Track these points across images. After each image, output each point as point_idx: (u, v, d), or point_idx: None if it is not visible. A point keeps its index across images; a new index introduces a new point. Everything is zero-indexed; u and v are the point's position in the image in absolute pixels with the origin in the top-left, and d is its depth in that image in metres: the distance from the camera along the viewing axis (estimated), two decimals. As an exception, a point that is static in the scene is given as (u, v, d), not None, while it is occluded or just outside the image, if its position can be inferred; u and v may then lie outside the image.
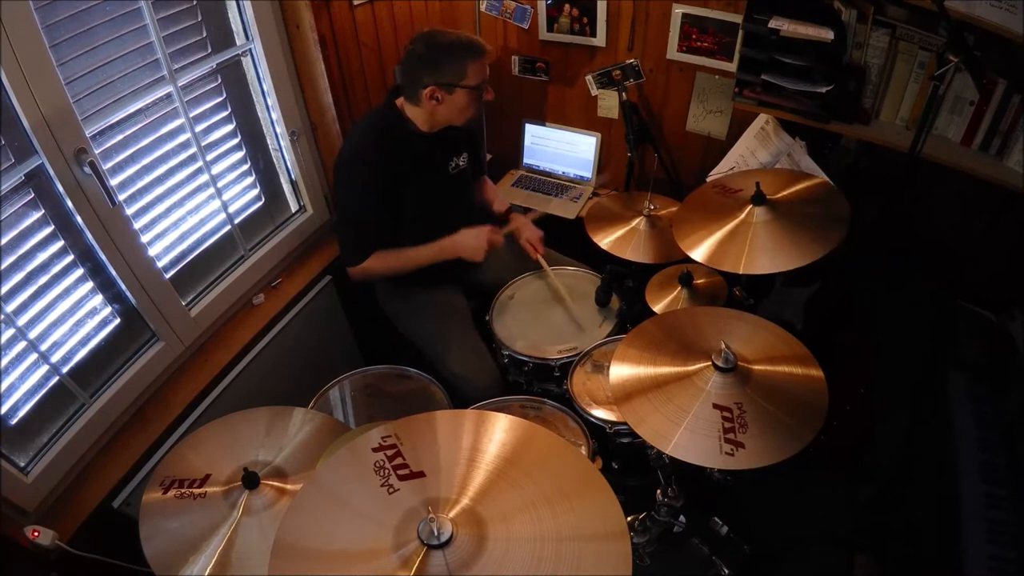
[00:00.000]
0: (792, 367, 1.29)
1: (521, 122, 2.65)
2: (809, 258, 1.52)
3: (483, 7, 2.41)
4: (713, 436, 1.17)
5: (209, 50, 1.73)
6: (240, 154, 1.92)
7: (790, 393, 1.24)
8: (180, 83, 1.66)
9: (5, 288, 1.38)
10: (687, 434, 1.19)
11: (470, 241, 1.84)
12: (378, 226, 1.80)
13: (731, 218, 1.65)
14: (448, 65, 1.65)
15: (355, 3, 2.09)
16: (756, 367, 1.28)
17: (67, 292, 1.52)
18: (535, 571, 0.88)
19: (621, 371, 1.34)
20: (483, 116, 2.60)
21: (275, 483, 1.26)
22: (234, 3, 1.78)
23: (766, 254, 1.56)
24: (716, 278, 1.86)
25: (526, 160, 2.71)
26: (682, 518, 1.54)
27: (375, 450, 1.03)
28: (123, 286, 1.62)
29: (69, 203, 1.46)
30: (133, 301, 1.66)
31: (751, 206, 1.63)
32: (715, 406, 1.22)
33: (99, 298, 1.60)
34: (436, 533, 0.89)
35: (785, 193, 1.67)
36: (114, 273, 1.59)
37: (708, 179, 1.97)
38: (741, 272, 1.56)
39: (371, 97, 2.30)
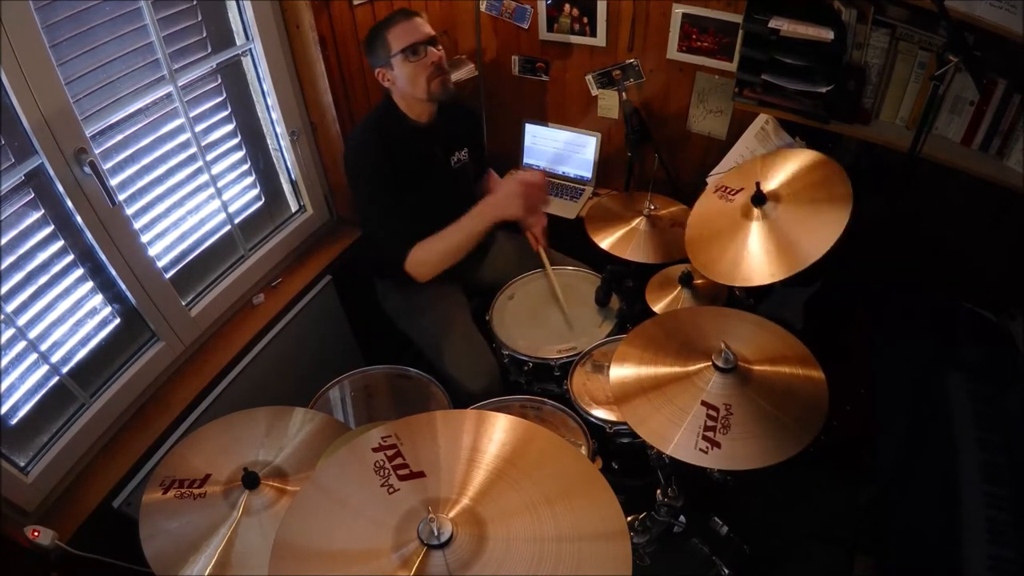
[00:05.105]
0: (793, 369, 1.28)
1: (521, 122, 2.65)
2: (822, 248, 1.45)
3: (483, 7, 2.41)
4: (694, 432, 1.19)
5: (209, 50, 1.73)
6: (240, 154, 1.92)
7: (787, 401, 1.23)
8: (180, 83, 1.66)
9: (5, 288, 1.38)
10: (686, 434, 1.19)
11: (503, 198, 1.71)
12: (400, 218, 1.77)
13: (740, 229, 1.61)
14: (375, 45, 1.73)
15: (355, 3, 2.09)
16: (756, 368, 1.28)
17: (67, 292, 1.52)
18: (535, 571, 0.87)
19: (621, 371, 1.34)
20: (483, 113, 2.60)
21: (275, 483, 1.26)
22: (234, 3, 1.78)
23: (781, 257, 1.52)
24: (716, 278, 1.86)
25: (526, 160, 2.71)
26: (682, 518, 1.54)
27: (375, 450, 1.03)
28: (123, 286, 1.62)
29: (69, 203, 1.46)
30: (133, 301, 1.66)
31: (754, 208, 1.62)
32: (703, 403, 1.22)
33: (99, 298, 1.60)
34: (436, 533, 0.89)
35: (785, 180, 1.63)
36: (114, 273, 1.59)
37: (708, 179, 1.97)
38: (756, 284, 1.53)
39: (371, 97, 2.30)
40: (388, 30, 1.70)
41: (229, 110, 1.85)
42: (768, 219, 1.59)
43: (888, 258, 2.05)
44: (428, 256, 1.76)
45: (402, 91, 1.76)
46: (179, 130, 1.71)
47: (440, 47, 1.75)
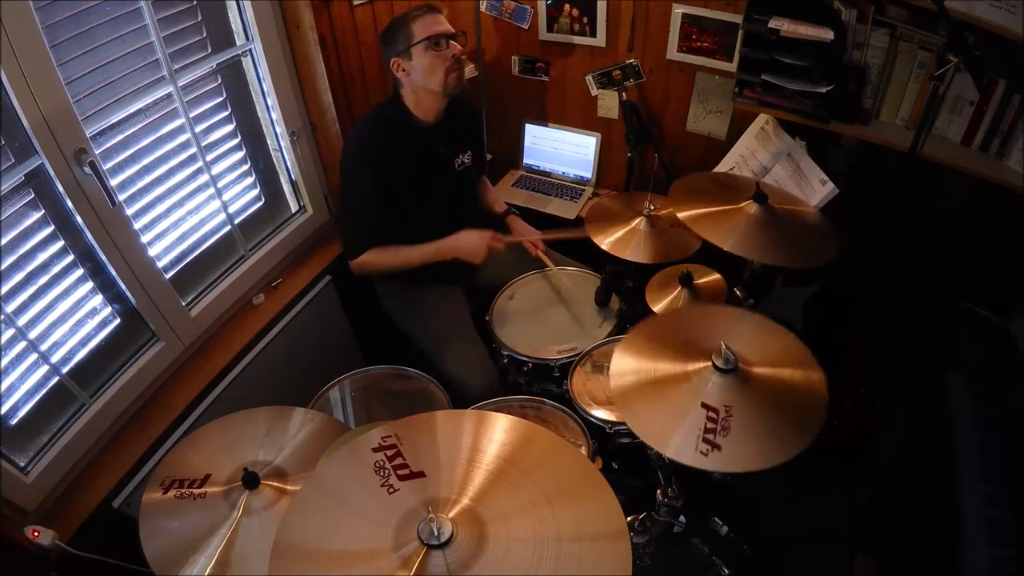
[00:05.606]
0: (793, 370, 1.27)
1: (521, 122, 2.65)
2: (793, 263, 1.52)
3: (483, 7, 2.41)
4: (694, 434, 1.18)
5: (209, 50, 1.73)
6: (240, 154, 1.92)
7: (787, 402, 1.22)
8: (180, 83, 1.66)
9: (5, 288, 1.38)
10: (686, 436, 1.19)
11: (471, 242, 1.83)
12: (377, 223, 1.80)
13: (729, 203, 1.63)
14: (397, 34, 1.73)
15: (355, 3, 2.09)
16: (756, 369, 1.27)
17: (67, 292, 1.52)
18: (535, 571, 0.87)
19: (621, 372, 1.33)
20: (483, 115, 2.60)
21: (275, 483, 1.26)
22: (234, 3, 1.78)
23: (757, 243, 1.55)
24: (716, 277, 1.86)
25: (526, 160, 2.71)
26: (682, 518, 1.54)
27: (375, 450, 1.03)
28: (123, 286, 1.62)
29: (69, 203, 1.46)
30: (133, 301, 1.66)
31: (750, 200, 1.61)
32: (703, 405, 1.21)
33: (99, 298, 1.60)
34: (436, 533, 0.88)
35: (779, 208, 1.65)
36: (114, 273, 1.59)
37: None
38: (726, 249, 1.54)
39: (371, 97, 2.30)
40: (413, 21, 1.71)
41: (229, 110, 1.85)
42: (756, 218, 1.60)
43: (888, 258, 2.05)
44: (376, 265, 1.85)
45: (415, 84, 1.76)
46: (179, 130, 1.71)
47: (459, 44, 1.77)
